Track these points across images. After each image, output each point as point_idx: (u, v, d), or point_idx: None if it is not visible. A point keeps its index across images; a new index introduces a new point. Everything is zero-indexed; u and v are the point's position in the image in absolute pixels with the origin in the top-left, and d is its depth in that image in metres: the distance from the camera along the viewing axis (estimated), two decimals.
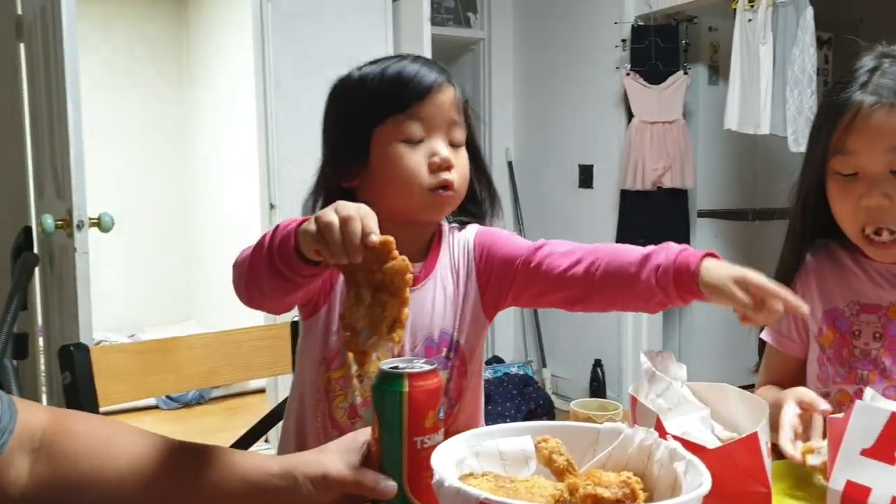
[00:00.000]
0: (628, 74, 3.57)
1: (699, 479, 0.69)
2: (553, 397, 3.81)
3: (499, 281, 1.14)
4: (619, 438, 0.80)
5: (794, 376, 1.28)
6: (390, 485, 0.80)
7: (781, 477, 1.06)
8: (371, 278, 0.80)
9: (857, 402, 0.82)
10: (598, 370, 3.78)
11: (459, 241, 1.18)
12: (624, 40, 3.61)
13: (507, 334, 4.30)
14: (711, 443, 0.82)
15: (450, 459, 0.72)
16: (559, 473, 0.76)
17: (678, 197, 3.67)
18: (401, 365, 0.81)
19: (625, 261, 1.00)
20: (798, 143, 3.03)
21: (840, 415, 0.85)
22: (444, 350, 1.14)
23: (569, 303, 1.08)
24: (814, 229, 1.23)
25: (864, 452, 0.79)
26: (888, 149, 1.06)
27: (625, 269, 0.99)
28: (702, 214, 3.89)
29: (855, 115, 1.08)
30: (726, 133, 3.47)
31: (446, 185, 1.08)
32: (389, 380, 0.79)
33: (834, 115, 1.11)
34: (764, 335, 1.31)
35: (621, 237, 3.69)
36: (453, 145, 1.11)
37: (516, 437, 0.77)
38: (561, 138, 4.07)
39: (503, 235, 1.18)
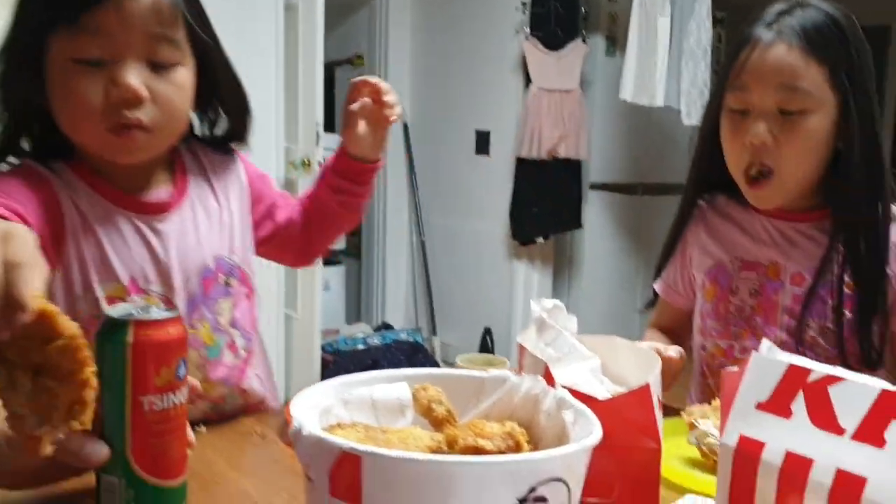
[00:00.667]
0: (527, 39, 3.53)
1: (589, 429, 0.62)
2: (443, 365, 3.77)
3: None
4: (504, 387, 0.72)
5: (680, 326, 1.28)
6: (97, 450, 0.65)
7: (673, 433, 1.03)
8: (27, 359, 0.60)
9: (754, 353, 0.78)
10: (488, 338, 3.76)
11: (215, 154, 1.10)
12: (524, 3, 3.55)
13: (397, 300, 4.23)
14: (602, 394, 0.76)
15: (312, 408, 0.63)
16: (438, 424, 0.68)
17: (572, 168, 3.67)
18: (134, 311, 0.67)
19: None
20: (691, 116, 3.07)
21: (735, 368, 0.80)
22: (221, 278, 1.05)
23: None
24: (710, 182, 1.21)
25: (760, 406, 0.75)
26: (779, 86, 1.04)
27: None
28: (594, 187, 3.91)
29: (752, 50, 1.05)
30: (622, 106, 3.49)
31: (129, 125, 0.89)
32: (112, 328, 0.66)
33: (734, 50, 1.09)
34: (656, 285, 1.31)
35: (515, 206, 3.67)
36: (158, 67, 0.90)
37: (391, 385, 0.69)
38: (458, 102, 4.00)
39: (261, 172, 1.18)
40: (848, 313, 1.09)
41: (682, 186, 1.25)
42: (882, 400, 0.68)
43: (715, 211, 1.23)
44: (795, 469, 0.70)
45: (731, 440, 0.76)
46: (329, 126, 4.08)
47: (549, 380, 0.76)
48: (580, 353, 0.82)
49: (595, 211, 3.91)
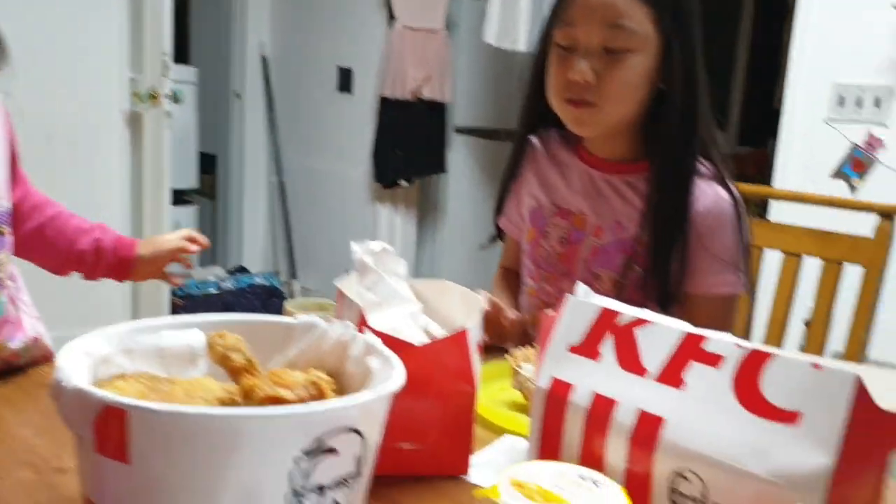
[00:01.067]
0: None
1: (390, 375, 0.60)
2: None
3: None
4: (314, 334, 0.69)
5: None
6: None
7: (499, 375, 1.03)
8: None
9: (569, 296, 0.77)
10: None
11: None
12: None
13: (255, 243, 4.09)
14: (419, 339, 0.74)
15: (84, 357, 0.57)
16: (235, 374, 0.64)
17: (437, 111, 3.63)
18: None
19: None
20: None
21: (552, 312, 0.80)
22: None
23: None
24: (540, 117, 1.20)
25: (573, 349, 0.75)
26: (604, 24, 1.03)
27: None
28: (459, 131, 3.89)
29: None
30: (487, 50, 3.46)
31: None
32: None
33: None
34: (500, 221, 1.31)
35: (378, 148, 3.60)
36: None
37: (182, 332, 0.64)
38: (321, 36, 3.85)
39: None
40: (640, 269, 1.11)
41: None
42: (685, 342, 0.69)
43: (546, 151, 1.23)
44: (601, 410, 0.71)
45: (545, 383, 0.76)
46: (181, 56, 3.84)
47: (365, 326, 0.73)
48: (401, 298, 0.80)
49: (460, 156, 3.90)
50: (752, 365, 0.64)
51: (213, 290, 3.30)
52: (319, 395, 0.62)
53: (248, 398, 0.61)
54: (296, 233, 3.98)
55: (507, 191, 1.26)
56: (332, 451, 0.54)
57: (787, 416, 0.61)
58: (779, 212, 2.40)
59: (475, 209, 4.08)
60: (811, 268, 1.48)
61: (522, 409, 0.95)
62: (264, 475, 0.51)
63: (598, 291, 0.77)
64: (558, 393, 0.74)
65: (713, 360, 0.67)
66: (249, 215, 4.04)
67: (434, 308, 0.91)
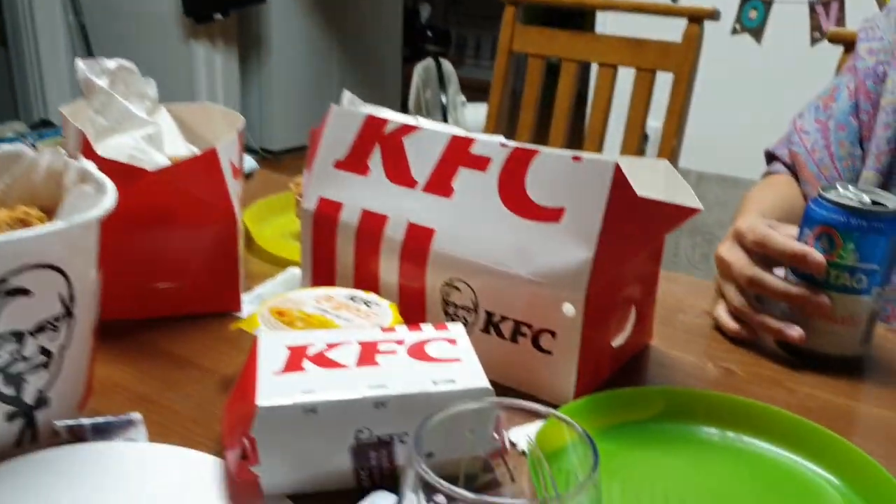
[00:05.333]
0: None
1: (102, 202, 0.51)
2: None
3: None
4: (21, 165, 0.58)
5: None
6: None
7: (277, 210, 0.97)
8: None
9: (333, 106, 0.70)
10: None
11: None
12: None
13: (61, 94, 3.71)
14: (161, 163, 0.65)
15: None
16: None
17: None
18: None
19: None
20: None
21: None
22: None
23: None
24: None
25: (338, 165, 0.69)
26: None
27: None
28: None
29: None
30: None
31: None
32: None
33: None
34: None
35: None
36: None
37: None
38: None
39: None
40: None
41: None
42: (451, 147, 0.64)
43: None
44: (371, 227, 0.66)
45: (311, 204, 0.69)
46: None
47: (88, 152, 0.63)
48: (137, 120, 0.69)
49: None
50: (517, 164, 0.60)
51: None
52: None
53: None
54: None
55: None
56: (22, 291, 0.45)
57: (550, 214, 0.58)
58: (604, 24, 2.40)
59: (303, 40, 3.85)
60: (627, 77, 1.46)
61: None
62: None
63: None
64: (326, 213, 0.68)
65: (481, 163, 0.62)
66: (49, 62, 3.63)
67: (198, 134, 0.81)
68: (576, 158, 0.57)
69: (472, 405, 0.40)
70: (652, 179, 0.57)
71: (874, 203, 0.65)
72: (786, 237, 0.68)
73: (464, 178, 0.63)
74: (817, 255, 0.65)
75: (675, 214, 0.59)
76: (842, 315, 0.67)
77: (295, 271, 0.78)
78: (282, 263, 0.83)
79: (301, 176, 0.92)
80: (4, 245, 0.44)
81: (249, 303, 0.73)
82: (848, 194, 0.66)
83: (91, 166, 0.56)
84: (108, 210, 0.50)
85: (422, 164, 0.65)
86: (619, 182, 0.55)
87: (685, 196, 0.58)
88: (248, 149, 1.07)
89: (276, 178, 1.16)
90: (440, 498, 0.35)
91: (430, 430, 0.38)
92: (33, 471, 0.47)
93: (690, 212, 0.59)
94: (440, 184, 0.64)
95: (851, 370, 0.68)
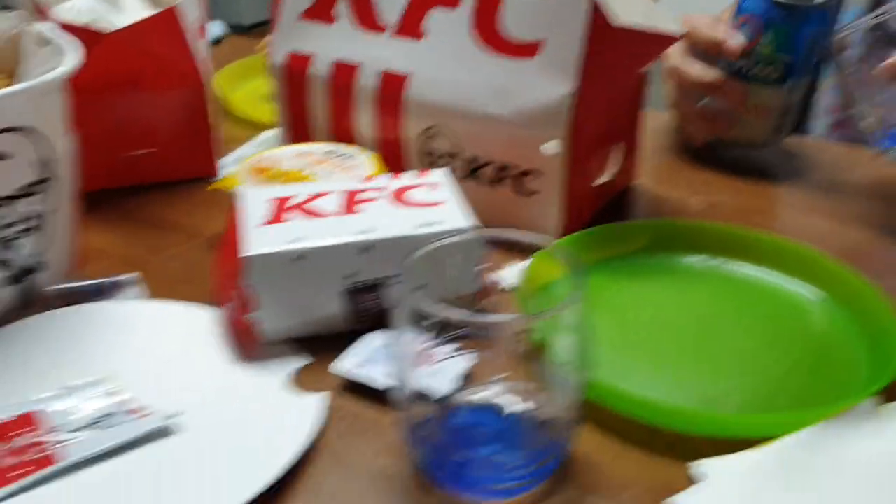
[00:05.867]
0: None
1: (66, 61, 0.49)
2: None
3: None
4: None
5: None
6: None
7: (247, 74, 0.94)
8: None
9: None
10: None
11: None
12: None
13: None
14: (115, 25, 0.62)
15: None
16: None
17: None
18: None
19: None
20: None
21: None
22: None
23: None
24: None
25: (304, 15, 0.66)
26: None
27: None
28: None
29: None
30: None
31: None
32: None
33: None
34: None
35: None
36: None
37: None
38: None
39: None
40: None
41: None
42: None
43: None
44: (343, 78, 0.64)
45: (280, 58, 0.67)
46: None
47: (42, 16, 0.60)
48: None
49: None
50: (489, 0, 0.58)
51: None
52: None
53: None
54: None
55: None
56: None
57: (527, 50, 0.57)
58: None
59: None
60: None
61: None
62: None
63: None
64: (296, 68, 0.66)
65: (451, 1, 0.60)
66: None
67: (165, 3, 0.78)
68: None
69: (458, 238, 0.40)
70: (628, 7, 0.56)
71: None
72: (710, 25, 0.69)
73: (435, 19, 0.60)
74: (735, 40, 0.67)
75: (656, 43, 0.58)
76: (755, 104, 0.70)
77: (271, 133, 0.77)
78: (258, 127, 0.81)
79: (269, 37, 0.89)
80: None
81: (228, 167, 0.72)
82: None
83: (50, 29, 0.53)
84: (74, 68, 0.48)
85: (390, 6, 0.62)
86: (596, 11, 0.53)
87: (664, 23, 0.57)
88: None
89: (247, 42, 1.12)
90: (430, 327, 0.36)
91: (419, 263, 0.38)
92: (37, 331, 0.48)
93: (670, 40, 0.58)
94: (411, 26, 0.61)
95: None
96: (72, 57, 0.49)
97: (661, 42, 0.57)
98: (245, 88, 0.91)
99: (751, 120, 0.71)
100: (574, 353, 0.37)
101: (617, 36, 0.54)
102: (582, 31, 0.54)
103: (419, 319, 0.36)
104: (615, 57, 0.57)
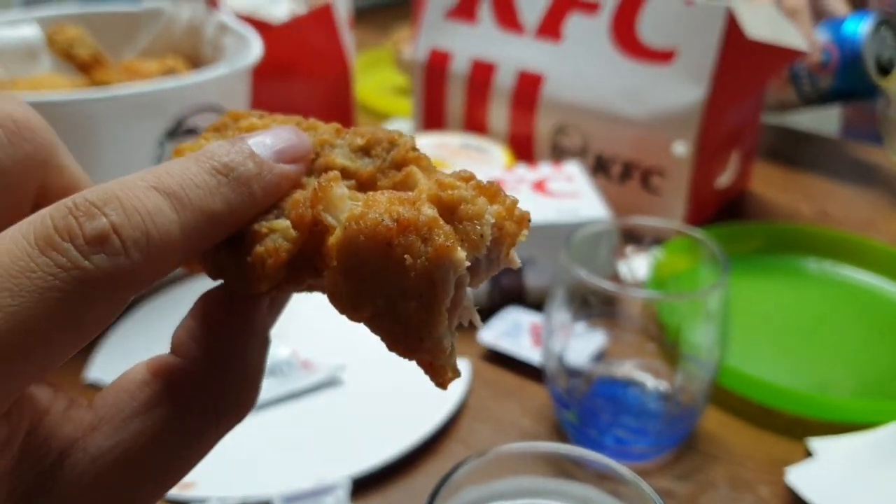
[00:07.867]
0: None
1: (248, 52, 0.56)
2: None
3: None
4: (162, 21, 0.63)
5: None
6: None
7: (373, 65, 0.99)
8: None
9: None
10: None
11: None
12: None
13: None
14: (280, 18, 0.68)
15: None
16: (85, 69, 0.58)
17: None
18: None
19: None
20: None
21: None
22: None
23: None
24: None
25: (449, 14, 0.71)
26: None
27: None
28: None
29: None
30: None
31: None
32: None
33: None
34: None
35: None
36: None
37: (12, 28, 0.57)
38: None
39: None
40: None
41: None
42: None
43: None
44: (481, 76, 0.69)
45: (422, 55, 0.73)
46: None
47: (213, 4, 0.66)
48: None
49: None
50: (628, 8, 0.62)
51: None
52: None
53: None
54: None
55: None
56: (193, 131, 0.51)
57: (662, 56, 0.61)
58: None
59: None
60: None
61: (406, 93, 0.93)
62: (129, 163, 0.48)
63: None
64: (437, 64, 0.71)
65: (590, 8, 0.64)
66: None
67: None
68: (688, 2, 0.59)
69: (599, 226, 0.45)
70: (756, 21, 0.59)
71: None
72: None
73: (574, 23, 0.65)
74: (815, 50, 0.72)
75: (782, 56, 0.61)
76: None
77: (400, 124, 0.83)
78: (379, 116, 0.87)
79: (397, 31, 0.95)
80: (179, 88, 0.49)
81: None
82: None
83: (230, 19, 0.60)
84: (258, 57, 0.54)
85: (531, 9, 0.67)
86: (731, 23, 0.57)
87: (791, 37, 0.60)
88: None
89: (366, 33, 1.19)
90: (575, 305, 0.40)
91: (573, 246, 0.42)
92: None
93: (796, 54, 0.61)
94: (550, 28, 0.66)
95: None
96: (256, 45, 0.55)
97: (787, 56, 0.61)
98: (371, 76, 0.97)
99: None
100: (712, 337, 0.41)
101: (749, 47, 0.57)
102: (717, 40, 0.58)
103: (568, 297, 0.40)
104: (744, 67, 0.60)
